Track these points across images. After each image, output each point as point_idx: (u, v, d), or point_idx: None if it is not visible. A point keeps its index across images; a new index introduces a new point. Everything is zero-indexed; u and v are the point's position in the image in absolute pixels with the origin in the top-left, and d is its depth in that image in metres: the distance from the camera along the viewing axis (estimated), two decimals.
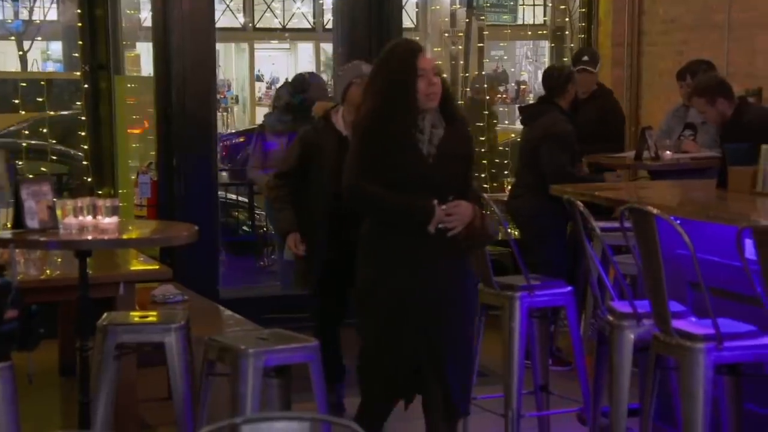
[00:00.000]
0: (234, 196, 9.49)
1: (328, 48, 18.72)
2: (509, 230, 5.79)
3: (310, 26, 22.01)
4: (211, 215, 6.91)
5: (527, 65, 21.94)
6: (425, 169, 3.81)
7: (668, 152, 6.48)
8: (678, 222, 3.58)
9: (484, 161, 9.13)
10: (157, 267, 5.09)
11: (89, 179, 7.11)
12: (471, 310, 4.03)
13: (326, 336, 4.87)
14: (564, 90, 5.99)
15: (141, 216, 6.73)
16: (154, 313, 4.40)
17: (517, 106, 8.88)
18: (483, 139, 9.32)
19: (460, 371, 3.89)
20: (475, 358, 4.22)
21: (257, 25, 21.75)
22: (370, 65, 4.62)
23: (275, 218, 5.06)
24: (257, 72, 23.33)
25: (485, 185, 9.01)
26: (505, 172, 9.19)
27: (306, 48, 23.59)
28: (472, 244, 3.90)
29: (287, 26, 22.00)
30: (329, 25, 15.38)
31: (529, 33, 18.16)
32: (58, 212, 3.86)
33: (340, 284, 4.81)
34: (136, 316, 4.34)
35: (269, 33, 22.31)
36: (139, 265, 5.05)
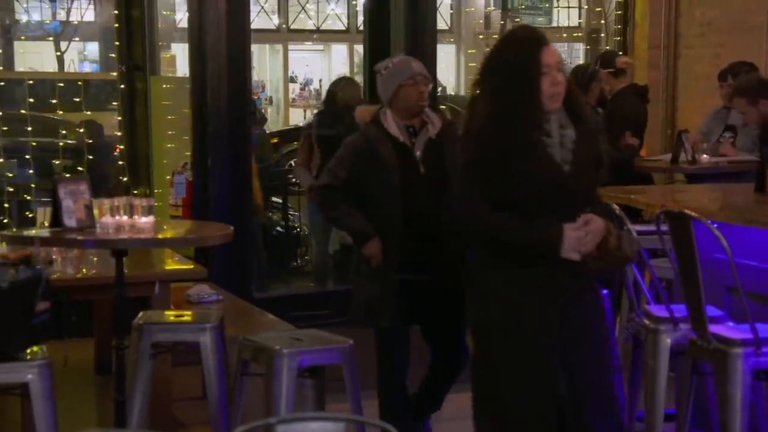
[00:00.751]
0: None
1: (361, 49, 18.75)
2: None
3: (343, 28, 22.04)
4: (246, 216, 6.94)
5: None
6: (562, 179, 3.26)
7: (705, 155, 6.43)
8: (715, 226, 3.55)
9: None
10: (191, 267, 5.11)
11: (125, 179, 7.16)
12: (606, 340, 3.48)
13: (402, 380, 4.32)
14: (588, 89, 6.13)
15: (176, 216, 6.76)
16: (189, 313, 4.42)
17: None
18: None
19: (603, 413, 3.35)
20: (619, 399, 3.66)
21: (291, 27, 21.82)
22: (419, 62, 4.33)
23: (346, 223, 4.38)
24: (291, 73, 23.38)
25: None
26: None
27: (340, 49, 23.63)
28: (604, 267, 3.36)
29: (321, 28, 22.05)
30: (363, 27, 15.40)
31: (564, 35, 18.10)
32: (95, 211, 3.89)
33: (421, 316, 4.29)
34: (171, 315, 4.37)
35: (303, 34, 22.37)
36: (174, 264, 5.08)
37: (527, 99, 3.24)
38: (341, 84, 7.42)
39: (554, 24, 18.87)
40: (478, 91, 3.36)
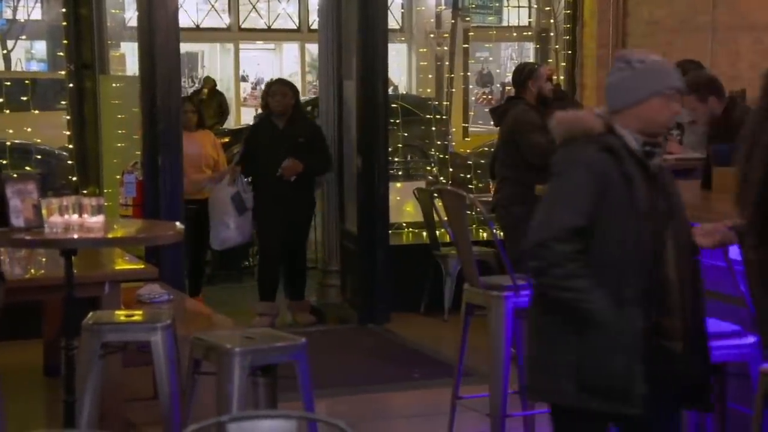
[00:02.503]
0: None
1: (313, 48, 18.71)
2: (495, 231, 5.84)
3: (295, 27, 21.98)
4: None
5: (512, 67, 21.96)
6: None
7: None
8: None
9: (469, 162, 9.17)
10: (142, 266, 5.08)
11: (74, 178, 7.09)
12: None
13: None
14: (525, 86, 6.25)
15: (126, 215, 6.71)
16: (140, 312, 4.39)
17: (488, 109, 9.08)
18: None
19: None
20: None
21: (242, 26, 21.72)
22: (680, 75, 3.23)
23: (589, 298, 2.94)
24: (242, 72, 23.27)
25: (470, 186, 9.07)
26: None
27: (291, 48, 23.55)
28: None
29: (272, 27, 21.98)
30: (314, 26, 15.37)
31: (515, 34, 18.21)
32: (44, 211, 3.86)
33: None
34: (121, 315, 4.34)
35: (254, 33, 22.28)
36: (124, 264, 5.04)
37: None
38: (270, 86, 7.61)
39: (504, 23, 18.97)
40: None
